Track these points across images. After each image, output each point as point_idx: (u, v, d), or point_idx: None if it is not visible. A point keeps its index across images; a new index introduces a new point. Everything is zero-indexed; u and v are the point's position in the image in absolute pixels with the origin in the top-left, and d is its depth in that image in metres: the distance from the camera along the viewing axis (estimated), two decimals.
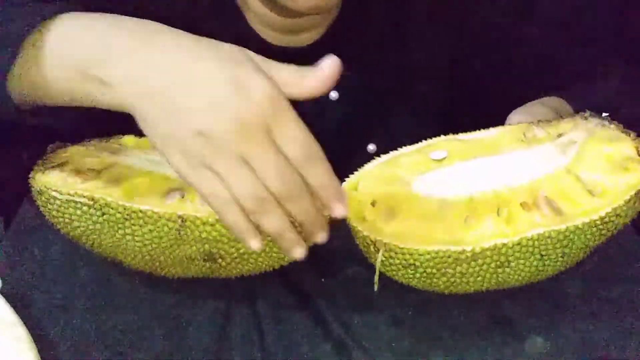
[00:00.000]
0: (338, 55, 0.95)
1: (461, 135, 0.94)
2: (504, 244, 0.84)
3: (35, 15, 0.80)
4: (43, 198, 0.88)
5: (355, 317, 0.94)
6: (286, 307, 0.95)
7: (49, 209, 0.88)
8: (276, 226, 0.77)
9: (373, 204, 0.90)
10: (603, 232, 0.86)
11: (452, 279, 0.86)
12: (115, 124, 0.93)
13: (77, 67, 0.78)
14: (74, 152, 0.93)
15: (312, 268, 0.97)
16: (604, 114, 0.93)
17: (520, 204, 0.87)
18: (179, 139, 0.74)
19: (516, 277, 0.87)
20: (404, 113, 1.09)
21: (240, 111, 0.72)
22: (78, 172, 0.87)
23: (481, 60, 1.02)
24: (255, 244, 0.78)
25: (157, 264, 0.88)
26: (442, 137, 0.94)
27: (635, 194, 0.86)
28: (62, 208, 0.86)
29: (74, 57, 0.78)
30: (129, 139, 0.96)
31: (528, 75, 1.06)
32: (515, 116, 0.94)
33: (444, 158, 0.92)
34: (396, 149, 0.94)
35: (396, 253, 0.86)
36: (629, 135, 0.91)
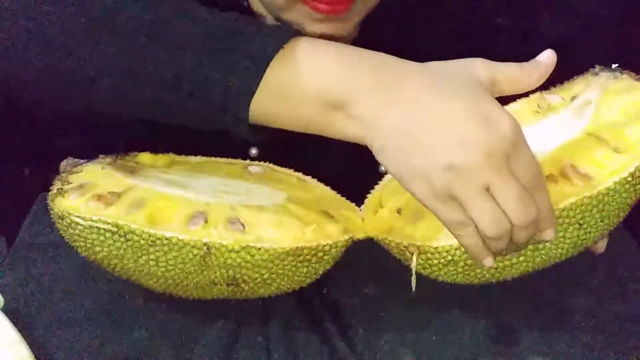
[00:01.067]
0: None
1: None
2: None
3: (275, 38, 0.80)
4: (64, 222, 0.87)
5: (360, 335, 0.96)
6: (297, 327, 0.96)
7: (69, 233, 0.88)
8: (501, 249, 0.80)
9: (399, 211, 0.91)
10: (637, 186, 0.86)
11: (497, 267, 0.87)
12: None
13: (320, 99, 0.79)
14: (90, 171, 0.92)
15: (329, 286, 0.98)
16: (613, 65, 0.93)
17: (547, 177, 0.86)
18: (426, 173, 0.76)
19: (560, 250, 0.87)
20: None
21: (489, 144, 0.74)
22: (99, 196, 0.87)
23: None
24: (489, 261, 0.81)
25: (179, 287, 0.88)
26: None
27: None
28: (85, 233, 0.86)
29: (317, 89, 0.79)
30: (144, 157, 0.95)
31: None
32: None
33: None
34: None
35: (432, 254, 0.86)
36: None
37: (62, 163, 0.94)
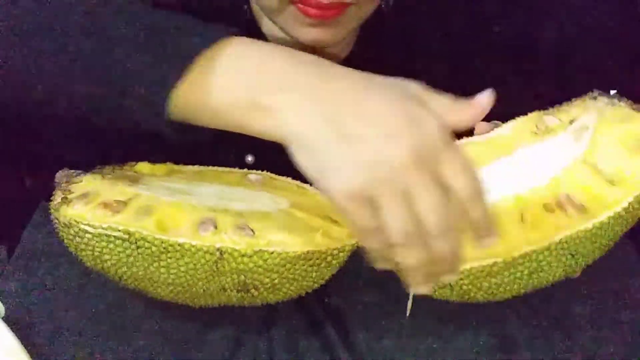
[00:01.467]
0: None
1: (475, 138, 0.94)
2: (534, 251, 0.85)
3: (207, 36, 0.79)
4: (71, 231, 0.86)
5: (361, 342, 0.96)
6: (299, 333, 0.97)
7: (76, 242, 0.87)
8: (414, 262, 0.75)
9: None
10: (629, 220, 0.88)
11: (489, 291, 0.88)
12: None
13: (246, 94, 0.77)
14: (91, 180, 0.91)
15: (330, 294, 0.99)
16: (612, 92, 0.93)
17: (544, 206, 0.87)
18: (345, 167, 0.73)
19: (551, 277, 0.89)
20: None
21: (415, 143, 0.72)
22: (106, 204, 0.86)
23: None
24: (383, 267, 0.78)
25: (187, 295, 0.88)
26: (457, 141, 0.88)
27: None
28: (93, 241, 0.85)
29: (245, 84, 0.77)
30: (143, 166, 0.95)
31: None
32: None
33: None
34: None
35: None
36: None
37: (57, 175, 0.93)
